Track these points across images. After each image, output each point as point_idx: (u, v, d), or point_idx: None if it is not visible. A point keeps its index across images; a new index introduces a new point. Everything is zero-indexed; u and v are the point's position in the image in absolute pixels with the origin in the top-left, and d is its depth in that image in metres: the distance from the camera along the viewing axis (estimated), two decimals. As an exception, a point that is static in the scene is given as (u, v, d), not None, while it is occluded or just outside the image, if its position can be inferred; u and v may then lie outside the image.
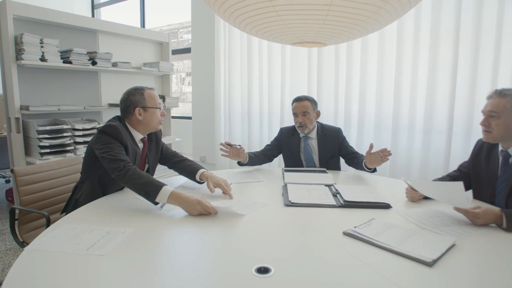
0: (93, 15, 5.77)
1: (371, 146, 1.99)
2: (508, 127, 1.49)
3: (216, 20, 3.85)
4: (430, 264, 1.04)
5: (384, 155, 1.94)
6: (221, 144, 2.21)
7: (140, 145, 1.87)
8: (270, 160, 2.45)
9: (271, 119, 3.71)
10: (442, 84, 2.76)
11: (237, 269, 1.03)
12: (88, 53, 3.12)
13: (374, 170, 2.10)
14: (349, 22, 1.37)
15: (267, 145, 2.52)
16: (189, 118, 4.61)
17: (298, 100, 2.38)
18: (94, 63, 3.16)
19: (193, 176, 1.90)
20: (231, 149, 2.18)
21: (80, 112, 3.27)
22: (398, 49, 2.91)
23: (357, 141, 3.21)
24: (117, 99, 3.36)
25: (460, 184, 1.37)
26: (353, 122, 3.24)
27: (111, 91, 3.52)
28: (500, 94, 1.52)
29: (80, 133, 3.00)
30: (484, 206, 1.38)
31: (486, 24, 2.56)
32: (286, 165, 2.48)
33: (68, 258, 1.08)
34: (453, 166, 2.73)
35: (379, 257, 1.11)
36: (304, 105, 2.34)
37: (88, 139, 3.05)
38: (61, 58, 2.94)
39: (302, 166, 2.40)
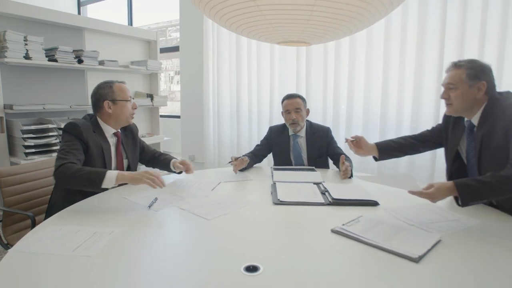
0: (79, 13, 5.68)
1: (343, 159, 2.07)
2: (466, 97, 1.50)
3: (204, 19, 3.83)
4: (416, 260, 1.05)
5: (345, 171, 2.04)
6: (232, 160, 2.18)
7: (113, 140, 1.86)
8: (260, 160, 2.45)
9: (260, 118, 3.72)
10: (429, 83, 2.80)
11: (226, 268, 1.03)
12: (74, 51, 3.07)
13: (350, 176, 2.11)
14: (333, 22, 1.39)
15: (257, 145, 2.52)
16: (178, 117, 4.58)
17: (290, 97, 2.39)
18: (80, 61, 3.11)
19: (168, 167, 2.03)
20: (238, 162, 2.15)
21: (66, 111, 3.22)
22: (386, 48, 2.94)
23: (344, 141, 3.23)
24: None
25: (408, 175, 1.44)
26: (342, 121, 3.27)
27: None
28: (456, 65, 1.53)
29: (66, 132, 2.95)
30: (436, 182, 1.39)
31: (471, 23, 2.60)
32: (275, 164, 2.48)
33: (54, 259, 1.06)
34: (439, 164, 2.78)
35: (366, 254, 1.12)
36: (296, 102, 2.35)
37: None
38: (46, 56, 2.88)
39: (291, 165, 2.41)
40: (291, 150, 2.41)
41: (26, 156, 2.72)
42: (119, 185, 1.67)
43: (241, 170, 2.23)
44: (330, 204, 1.59)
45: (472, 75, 1.48)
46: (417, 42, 2.81)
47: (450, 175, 1.71)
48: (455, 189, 1.33)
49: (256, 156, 2.40)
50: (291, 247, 1.20)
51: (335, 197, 1.63)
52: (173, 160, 2.04)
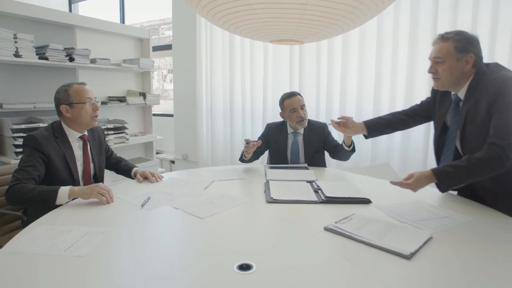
0: (70, 10, 5.61)
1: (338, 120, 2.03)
2: (453, 71, 1.46)
3: (197, 17, 3.81)
4: (408, 257, 1.06)
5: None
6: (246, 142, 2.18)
7: (79, 143, 1.84)
8: (258, 157, 2.45)
9: (254, 116, 3.71)
10: (421, 81, 2.82)
11: (219, 266, 1.03)
12: (65, 49, 3.03)
13: (353, 150, 2.14)
14: (325, 20, 1.39)
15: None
16: (171, 115, 4.55)
17: (292, 95, 2.37)
18: (71, 59, 3.07)
19: (129, 174, 2.05)
20: (250, 146, 2.17)
21: (57, 109, 3.18)
22: (378, 47, 2.96)
23: (338, 138, 3.24)
24: (96, 96, 3.29)
25: (387, 164, 1.45)
26: (334, 119, 3.27)
27: (90, 88, 3.43)
28: (442, 38, 1.48)
29: (58, 131, 2.92)
30: (416, 172, 1.43)
31: (462, 23, 2.63)
32: (270, 161, 2.48)
33: (45, 260, 1.05)
34: (431, 161, 2.80)
35: (359, 251, 1.13)
36: (300, 99, 2.36)
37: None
38: (37, 54, 2.84)
39: (287, 162, 2.41)
40: (289, 147, 2.41)
41: (17, 156, 2.68)
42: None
43: (246, 161, 2.24)
44: (323, 202, 1.60)
45: (460, 47, 1.44)
46: (409, 41, 2.83)
47: (437, 149, 1.69)
48: (433, 177, 1.37)
49: (255, 153, 2.40)
50: (284, 245, 1.20)
51: (328, 195, 1.64)
52: (134, 169, 2.05)
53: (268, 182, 1.90)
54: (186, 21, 4.01)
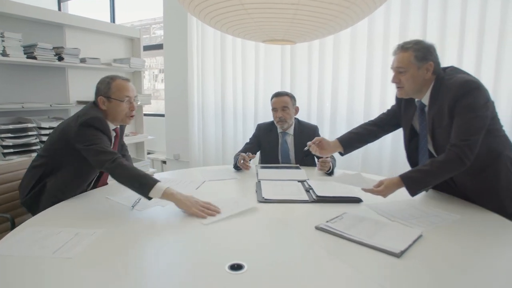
0: (59, 9, 5.54)
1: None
2: (416, 79, 1.53)
3: (188, 16, 3.79)
4: (398, 255, 1.07)
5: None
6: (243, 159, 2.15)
7: (112, 137, 1.80)
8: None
9: (245, 116, 3.71)
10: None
11: (210, 267, 1.02)
12: (54, 48, 2.99)
13: (331, 173, 2.13)
14: (317, 20, 1.40)
15: (247, 143, 2.51)
16: (162, 115, 4.53)
17: (278, 95, 2.39)
18: (60, 58, 3.03)
19: None
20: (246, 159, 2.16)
21: (46, 110, 3.13)
22: (369, 47, 2.98)
23: (329, 139, 3.25)
24: (86, 96, 3.25)
25: (359, 174, 1.65)
26: (326, 119, 3.29)
27: (80, 88, 3.39)
28: (402, 48, 1.55)
29: (47, 131, 2.88)
30: (386, 179, 1.49)
31: (450, 23, 2.66)
32: (262, 161, 2.49)
33: (33, 262, 1.03)
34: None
35: (350, 250, 1.14)
36: (284, 100, 2.35)
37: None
38: (25, 53, 2.80)
39: (278, 163, 2.41)
40: (279, 147, 2.42)
41: (4, 157, 2.64)
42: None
43: (238, 169, 2.21)
44: (314, 201, 1.61)
45: (420, 57, 1.50)
46: (400, 41, 2.84)
47: (409, 154, 1.75)
48: (401, 183, 1.43)
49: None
50: (276, 245, 1.20)
51: (319, 194, 1.64)
52: None
53: (259, 182, 1.90)
54: (178, 20, 3.99)
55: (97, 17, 3.57)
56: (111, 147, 1.75)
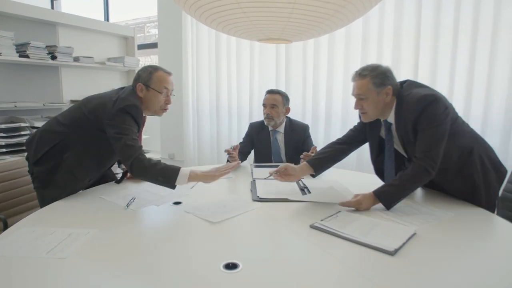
0: (52, 7, 5.49)
1: (313, 149, 2.07)
2: (377, 104, 1.57)
3: (183, 15, 3.77)
4: (392, 253, 1.08)
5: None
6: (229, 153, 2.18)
7: None
8: (246, 157, 2.45)
9: (240, 115, 3.71)
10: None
11: (205, 266, 1.02)
12: (47, 46, 2.96)
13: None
14: (313, 19, 1.40)
15: (240, 143, 2.51)
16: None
17: (270, 92, 2.41)
18: (53, 57, 3.01)
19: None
20: (231, 152, 2.17)
21: (39, 109, 3.11)
22: (364, 47, 2.99)
23: (324, 138, 3.27)
24: (79, 95, 3.23)
25: (331, 188, 1.69)
26: (321, 118, 3.30)
27: (73, 87, 3.37)
28: (360, 75, 1.58)
29: (40, 131, 2.86)
30: (360, 194, 1.50)
31: (444, 23, 2.68)
32: (256, 160, 2.49)
33: (26, 263, 1.02)
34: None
35: (344, 248, 1.14)
36: (274, 98, 2.36)
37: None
38: (17, 52, 2.77)
39: (271, 161, 2.42)
40: (272, 145, 2.42)
41: (-3, 156, 2.62)
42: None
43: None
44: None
45: (377, 83, 1.55)
46: (394, 41, 2.87)
47: (376, 169, 1.79)
48: (375, 198, 1.47)
49: (242, 153, 2.40)
50: (271, 244, 1.20)
51: (314, 193, 1.64)
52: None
53: (254, 181, 1.90)
54: (172, 19, 3.97)
55: (90, 15, 3.54)
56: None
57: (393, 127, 1.63)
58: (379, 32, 2.92)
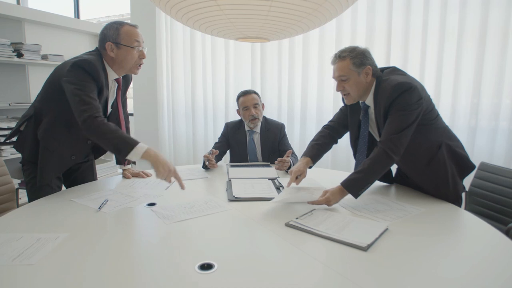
0: (18, 2, 5.25)
1: (288, 154, 2.07)
2: (359, 85, 1.60)
3: (157, 12, 3.71)
4: (365, 249, 1.11)
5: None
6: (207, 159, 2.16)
7: (113, 85, 1.73)
8: (221, 158, 2.43)
9: (216, 115, 3.69)
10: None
11: (180, 267, 1.01)
12: (12, 44, 2.84)
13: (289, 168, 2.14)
14: (290, 18, 1.42)
15: (216, 142, 2.50)
16: (131, 114, 4.41)
17: (246, 93, 2.39)
18: (19, 55, 2.88)
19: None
20: (210, 158, 2.15)
21: (5, 109, 2.98)
22: (337, 47, 3.04)
23: (300, 136, 3.31)
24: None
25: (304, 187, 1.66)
26: (296, 118, 3.33)
27: (41, 86, 3.24)
28: (340, 57, 1.61)
29: (6, 132, 2.73)
30: (329, 189, 1.52)
31: (414, 24, 2.78)
32: (231, 160, 2.48)
33: (-10, 270, 0.98)
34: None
35: (319, 245, 1.16)
36: (254, 98, 2.36)
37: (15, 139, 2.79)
38: (-20, 49, 2.64)
39: (247, 161, 2.42)
40: (248, 146, 2.42)
41: (-41, 159, 2.48)
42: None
43: (206, 168, 2.20)
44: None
45: (357, 63, 1.58)
46: (366, 41, 2.93)
47: (355, 152, 1.82)
48: (343, 188, 1.49)
49: (218, 155, 2.38)
50: (246, 243, 1.20)
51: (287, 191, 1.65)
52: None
53: (230, 180, 1.90)
54: (145, 17, 3.90)
55: (60, 12, 3.42)
56: (113, 98, 1.72)
57: (371, 109, 1.65)
58: (352, 32, 2.98)
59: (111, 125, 1.49)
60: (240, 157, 2.42)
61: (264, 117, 2.48)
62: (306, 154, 1.79)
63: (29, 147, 1.66)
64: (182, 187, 1.52)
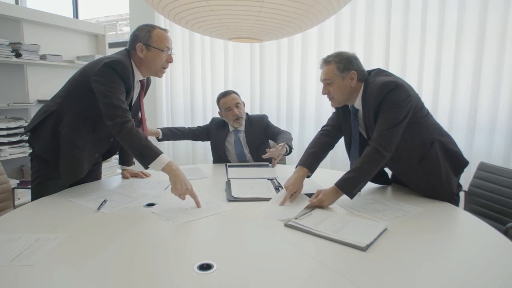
0: (16, 2, 5.24)
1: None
2: (343, 89, 1.62)
3: (156, 13, 3.71)
4: (364, 249, 1.11)
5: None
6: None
7: (137, 88, 1.75)
8: (195, 139, 2.54)
9: (215, 115, 3.65)
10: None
11: (179, 267, 1.01)
12: (10, 44, 2.83)
13: (290, 152, 2.17)
14: (282, 18, 1.42)
15: (199, 126, 2.57)
16: (130, 114, 4.40)
17: (226, 94, 2.39)
18: (18, 55, 2.88)
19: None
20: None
21: (3, 109, 2.97)
22: (336, 46, 3.05)
23: (299, 137, 3.31)
24: (47, 94, 3.10)
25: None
26: (295, 118, 3.33)
27: (40, 86, 3.24)
28: (326, 61, 1.65)
29: (4, 132, 2.73)
30: (322, 190, 1.53)
31: (413, 23, 2.78)
32: (213, 158, 2.50)
33: (-11, 270, 0.97)
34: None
35: (318, 245, 1.16)
36: (234, 97, 2.36)
37: (14, 139, 2.79)
38: (-22, 49, 2.64)
39: (226, 159, 2.43)
40: (228, 145, 2.43)
41: (-43, 159, 2.48)
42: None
43: (160, 140, 2.37)
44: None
45: (341, 68, 1.60)
46: (365, 40, 2.94)
47: (349, 155, 1.82)
48: (337, 189, 1.49)
49: (191, 132, 2.50)
50: (245, 243, 1.20)
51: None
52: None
53: (229, 180, 1.90)
54: (144, 17, 3.89)
55: (59, 12, 3.41)
56: (135, 98, 1.74)
57: (360, 112, 1.67)
58: (351, 32, 2.99)
59: (140, 132, 1.54)
60: (219, 155, 2.44)
61: (246, 114, 2.47)
62: (303, 163, 1.75)
63: (45, 143, 1.65)
64: (198, 205, 1.50)
